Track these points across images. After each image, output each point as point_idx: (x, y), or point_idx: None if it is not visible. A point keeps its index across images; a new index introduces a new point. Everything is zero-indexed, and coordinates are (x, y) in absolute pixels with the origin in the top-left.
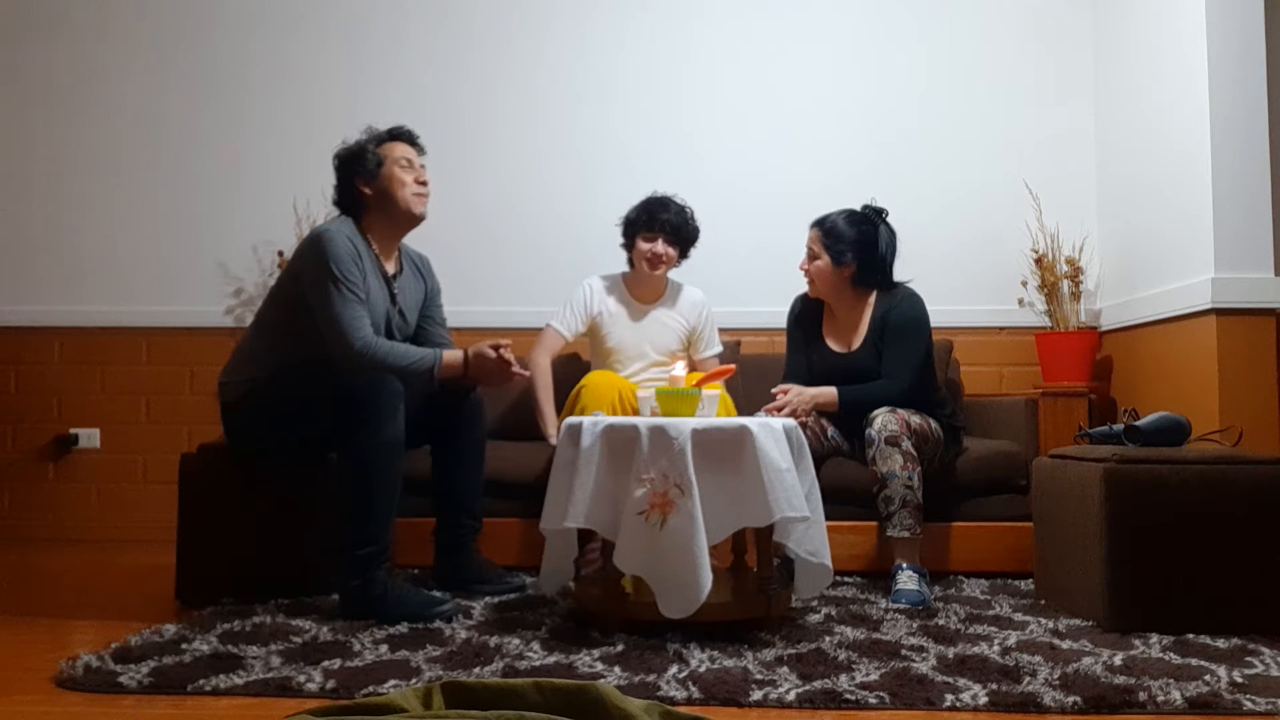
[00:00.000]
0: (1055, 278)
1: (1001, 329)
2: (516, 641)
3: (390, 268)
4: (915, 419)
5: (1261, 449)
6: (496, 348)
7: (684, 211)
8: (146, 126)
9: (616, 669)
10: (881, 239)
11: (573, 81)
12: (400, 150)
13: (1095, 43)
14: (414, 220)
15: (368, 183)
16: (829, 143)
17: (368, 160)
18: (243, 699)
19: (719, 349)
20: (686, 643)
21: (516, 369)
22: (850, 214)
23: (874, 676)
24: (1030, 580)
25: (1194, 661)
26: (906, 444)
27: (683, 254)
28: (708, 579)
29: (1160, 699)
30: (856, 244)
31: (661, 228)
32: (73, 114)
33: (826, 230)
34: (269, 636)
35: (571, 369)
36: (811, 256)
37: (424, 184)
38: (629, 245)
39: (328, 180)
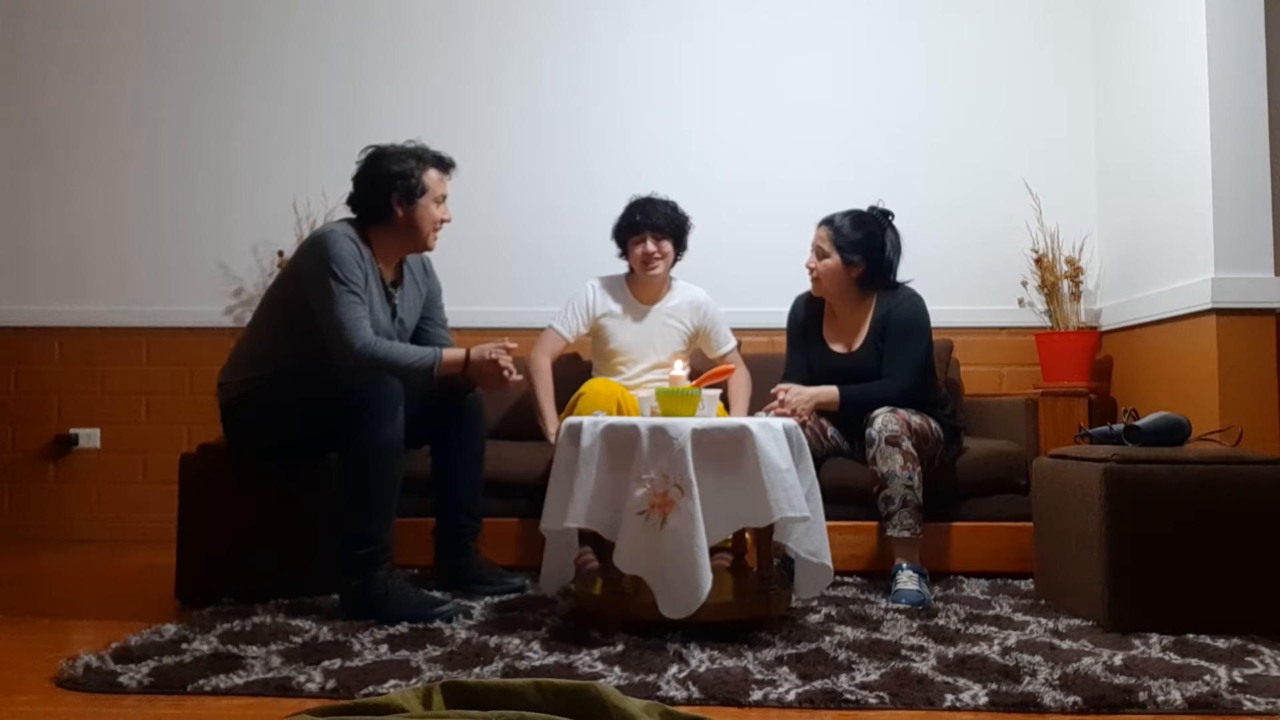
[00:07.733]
0: (1055, 278)
1: (1001, 329)
2: (516, 641)
3: (389, 276)
4: (915, 419)
5: (1261, 449)
6: (497, 350)
7: (668, 204)
8: (146, 126)
9: (616, 669)
10: (889, 241)
11: (573, 81)
12: (441, 186)
13: (1095, 43)
14: (423, 251)
15: (403, 204)
16: (829, 143)
17: (414, 184)
18: (243, 699)
19: (733, 344)
20: (686, 643)
21: (509, 375)
22: (859, 215)
23: (874, 676)
24: (1030, 580)
25: (1194, 661)
26: (907, 444)
27: (678, 246)
28: (708, 579)
29: (1160, 699)
30: (865, 245)
31: (647, 228)
32: (73, 114)
33: (836, 229)
34: (269, 636)
35: (572, 370)
36: (820, 255)
37: (446, 222)
38: (623, 253)
39: (328, 180)
